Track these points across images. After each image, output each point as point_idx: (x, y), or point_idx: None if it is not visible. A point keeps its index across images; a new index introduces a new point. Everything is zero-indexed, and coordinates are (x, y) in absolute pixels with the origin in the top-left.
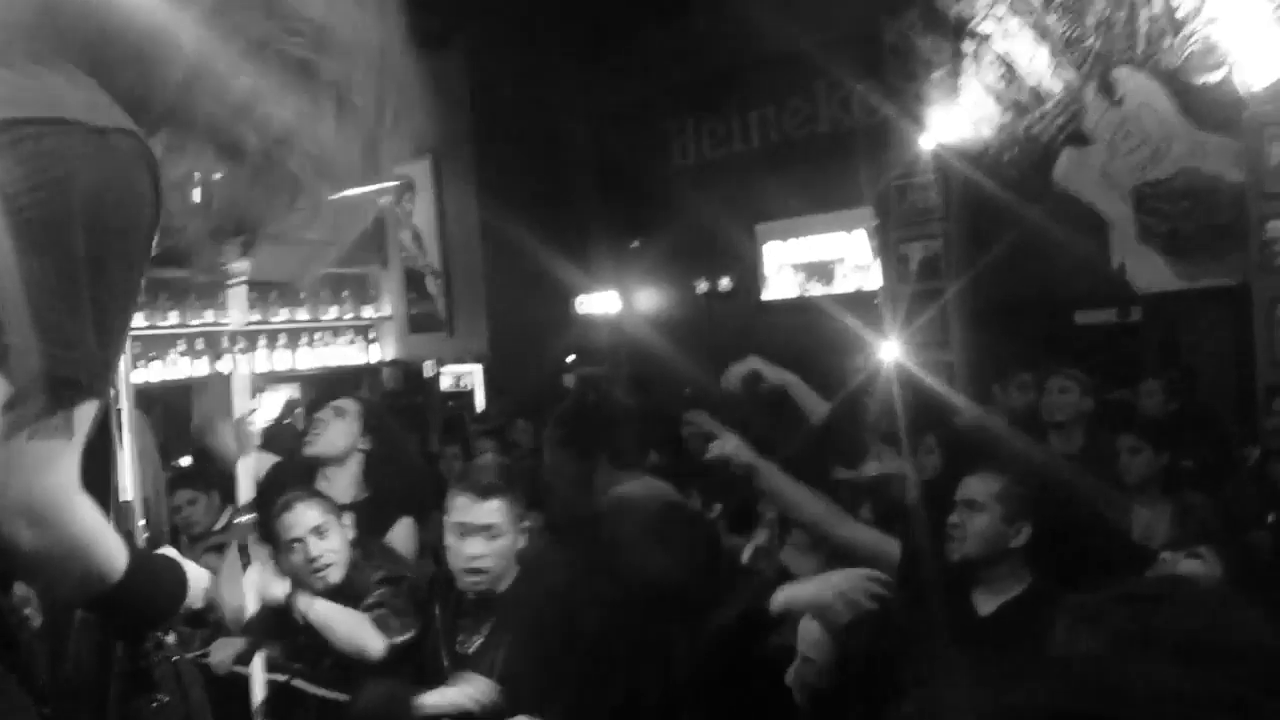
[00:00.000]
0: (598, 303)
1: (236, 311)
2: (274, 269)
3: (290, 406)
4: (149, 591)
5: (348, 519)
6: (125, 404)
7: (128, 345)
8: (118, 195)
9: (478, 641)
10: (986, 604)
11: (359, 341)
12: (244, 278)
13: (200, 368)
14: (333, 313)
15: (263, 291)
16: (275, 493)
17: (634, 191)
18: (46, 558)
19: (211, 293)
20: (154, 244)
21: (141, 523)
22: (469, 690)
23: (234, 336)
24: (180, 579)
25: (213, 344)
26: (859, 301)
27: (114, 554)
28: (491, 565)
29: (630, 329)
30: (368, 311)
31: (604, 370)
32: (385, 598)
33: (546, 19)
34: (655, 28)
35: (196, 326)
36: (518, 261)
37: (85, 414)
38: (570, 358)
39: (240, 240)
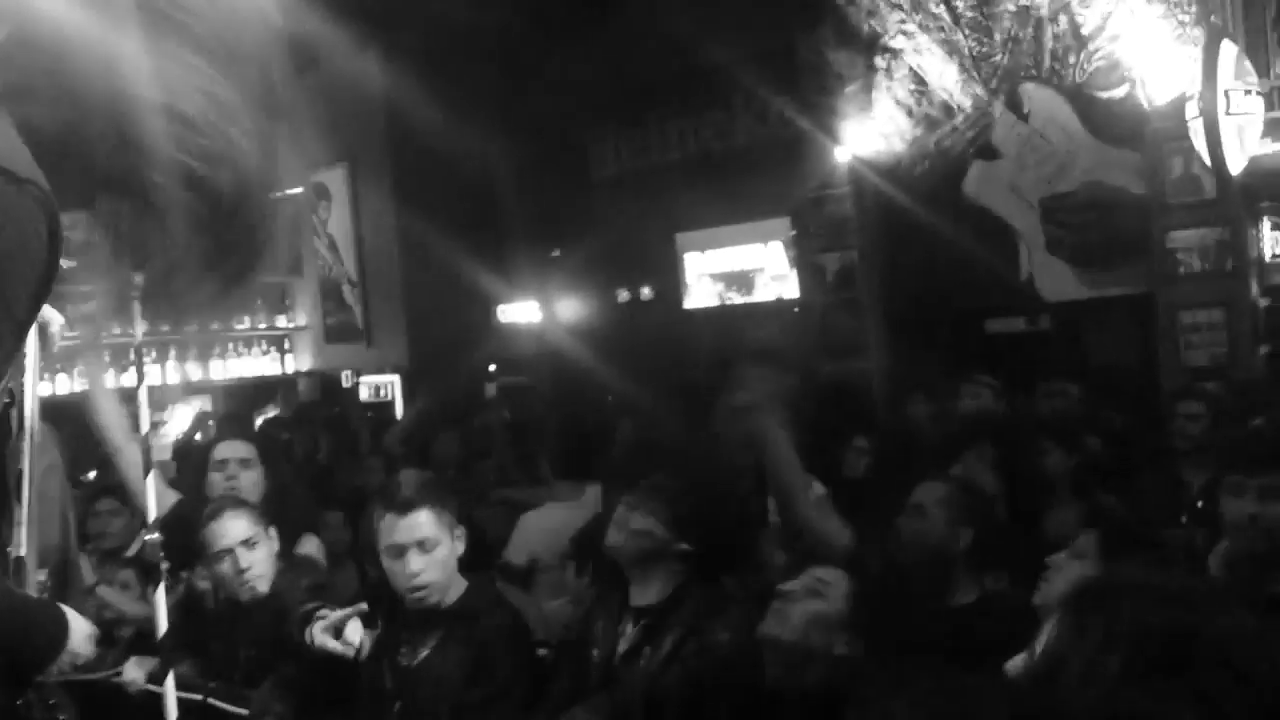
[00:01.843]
0: (519, 312)
1: (139, 324)
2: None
3: (202, 419)
4: (19, 640)
5: (273, 531)
6: (26, 452)
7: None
8: (9, 244)
9: (422, 654)
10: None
11: (273, 352)
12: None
13: (108, 380)
14: (246, 323)
15: None
16: (182, 522)
17: (554, 201)
18: None
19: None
20: (41, 299)
21: (41, 576)
22: None
23: (139, 348)
24: (61, 628)
25: (119, 356)
26: (778, 310)
27: None
28: (433, 578)
29: (552, 338)
30: (282, 321)
31: (525, 380)
32: (324, 603)
33: (464, 28)
34: (575, 39)
35: (102, 338)
36: (437, 270)
37: None
38: (491, 367)
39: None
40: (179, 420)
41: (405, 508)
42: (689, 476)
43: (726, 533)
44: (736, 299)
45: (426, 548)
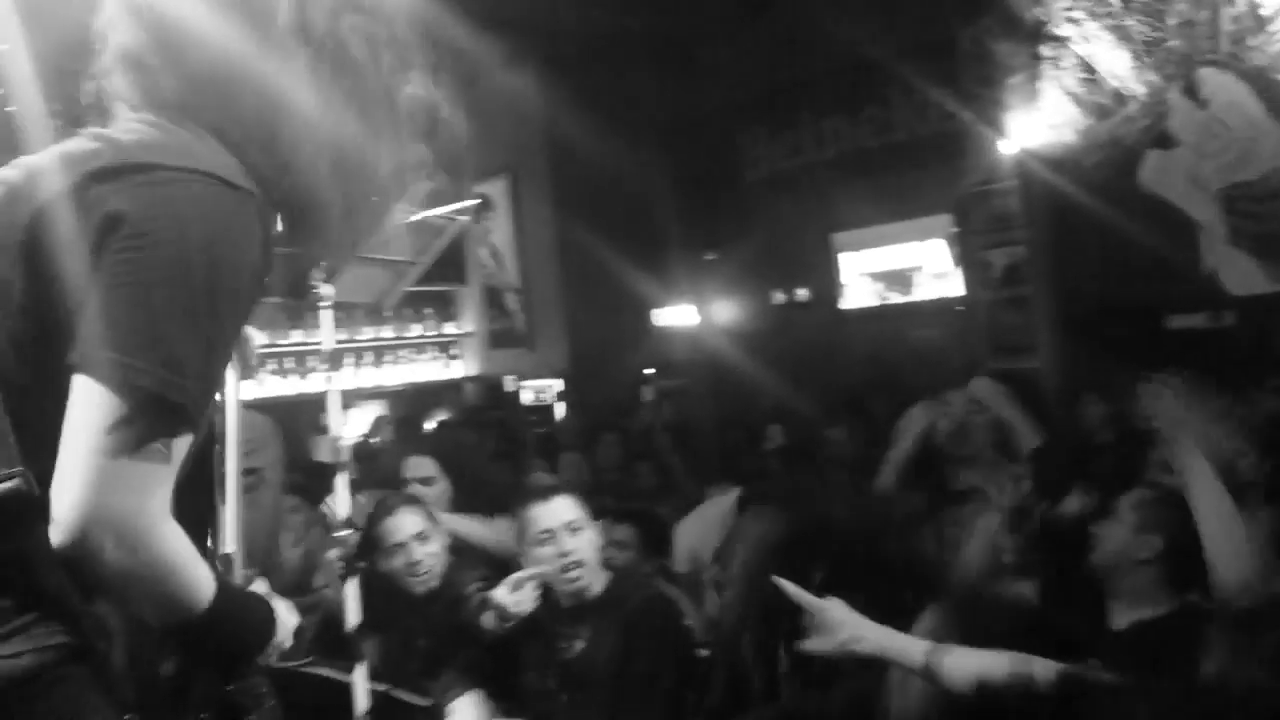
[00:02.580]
0: (675, 316)
1: (326, 333)
2: (359, 291)
3: (380, 423)
4: (234, 628)
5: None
6: (231, 452)
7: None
8: (236, 242)
9: (578, 646)
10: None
11: (441, 358)
12: (331, 301)
13: (290, 385)
14: (416, 330)
15: (349, 310)
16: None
17: (709, 204)
18: (130, 579)
19: (299, 313)
20: (257, 299)
21: (248, 572)
22: None
23: (326, 356)
24: (269, 618)
25: (301, 362)
26: (939, 310)
27: (200, 585)
28: (585, 557)
29: (708, 341)
30: (449, 328)
31: (683, 383)
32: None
33: (618, 34)
34: (727, 39)
35: (286, 346)
36: (595, 276)
37: (184, 444)
38: (649, 371)
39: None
40: (356, 424)
41: (547, 494)
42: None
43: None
44: (895, 299)
45: (573, 527)
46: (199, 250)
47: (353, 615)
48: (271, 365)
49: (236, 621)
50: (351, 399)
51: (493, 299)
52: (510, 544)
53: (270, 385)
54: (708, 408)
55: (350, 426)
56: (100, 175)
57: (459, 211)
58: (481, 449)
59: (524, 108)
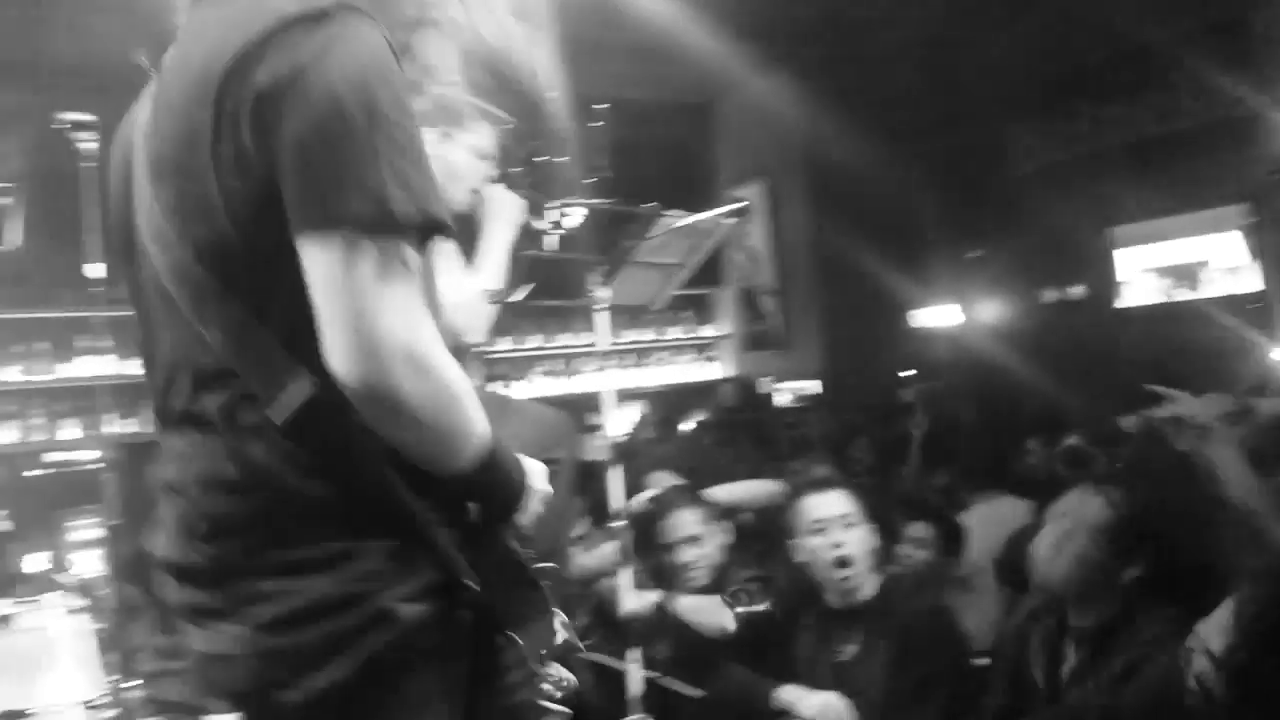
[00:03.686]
0: (935, 316)
1: (602, 334)
2: (632, 293)
3: (645, 421)
4: (501, 476)
5: (727, 524)
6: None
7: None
8: (394, 66)
9: (852, 650)
10: None
11: (699, 359)
12: (607, 303)
13: (559, 386)
14: (674, 332)
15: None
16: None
17: (972, 201)
18: (425, 407)
19: (567, 316)
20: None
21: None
22: (831, 702)
23: (601, 356)
24: (524, 473)
25: (569, 364)
26: (1230, 307)
27: (480, 419)
28: (856, 553)
29: (971, 342)
30: (707, 330)
31: (943, 385)
32: (742, 585)
33: (877, 28)
34: (994, 29)
35: (555, 349)
36: (852, 276)
37: (422, 259)
38: (907, 373)
39: (602, 270)
40: (619, 423)
41: (824, 485)
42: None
43: (1180, 555)
44: (1180, 295)
45: (847, 521)
46: (379, 82)
47: (627, 604)
48: (542, 367)
49: (503, 471)
50: (616, 399)
51: (749, 301)
52: (779, 496)
53: (540, 386)
54: (970, 410)
55: (615, 426)
56: (280, 28)
57: (726, 214)
58: (727, 451)
59: (780, 111)
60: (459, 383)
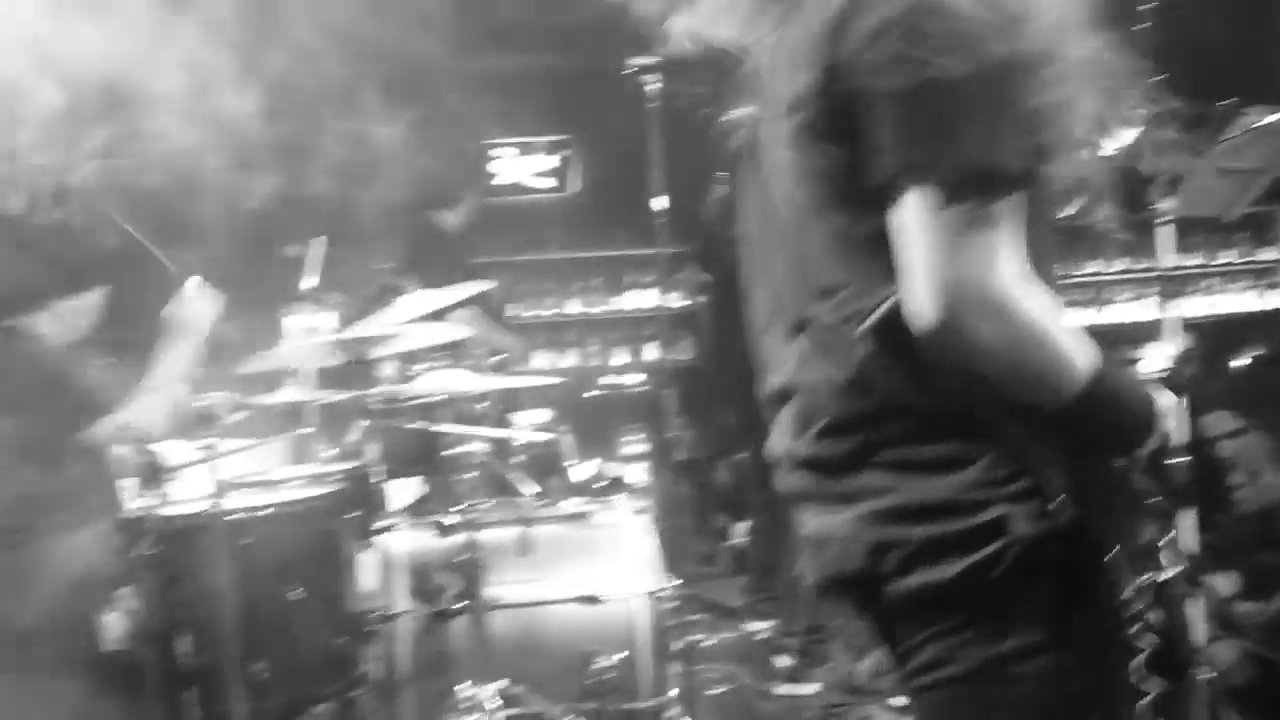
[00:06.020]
0: None
1: (1165, 251)
2: (1201, 203)
3: (1189, 355)
4: (1113, 410)
5: None
6: None
7: None
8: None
9: None
10: None
11: (1256, 287)
12: (1170, 215)
13: (1086, 318)
14: (1225, 256)
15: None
16: None
17: None
18: (1001, 350)
19: (1092, 239)
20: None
21: None
22: None
23: (1165, 279)
24: (1148, 401)
25: (1099, 293)
26: None
27: (1075, 358)
28: None
29: None
30: (1267, 254)
31: None
32: None
33: None
34: None
35: (1085, 276)
36: None
37: (1012, 204)
38: None
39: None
40: (1154, 358)
41: None
42: None
43: None
44: None
45: None
46: (982, 29)
47: None
48: (1066, 296)
49: (1115, 403)
50: (1149, 332)
51: None
52: None
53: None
54: None
55: (1149, 362)
56: None
57: None
58: None
59: None
60: (1045, 326)
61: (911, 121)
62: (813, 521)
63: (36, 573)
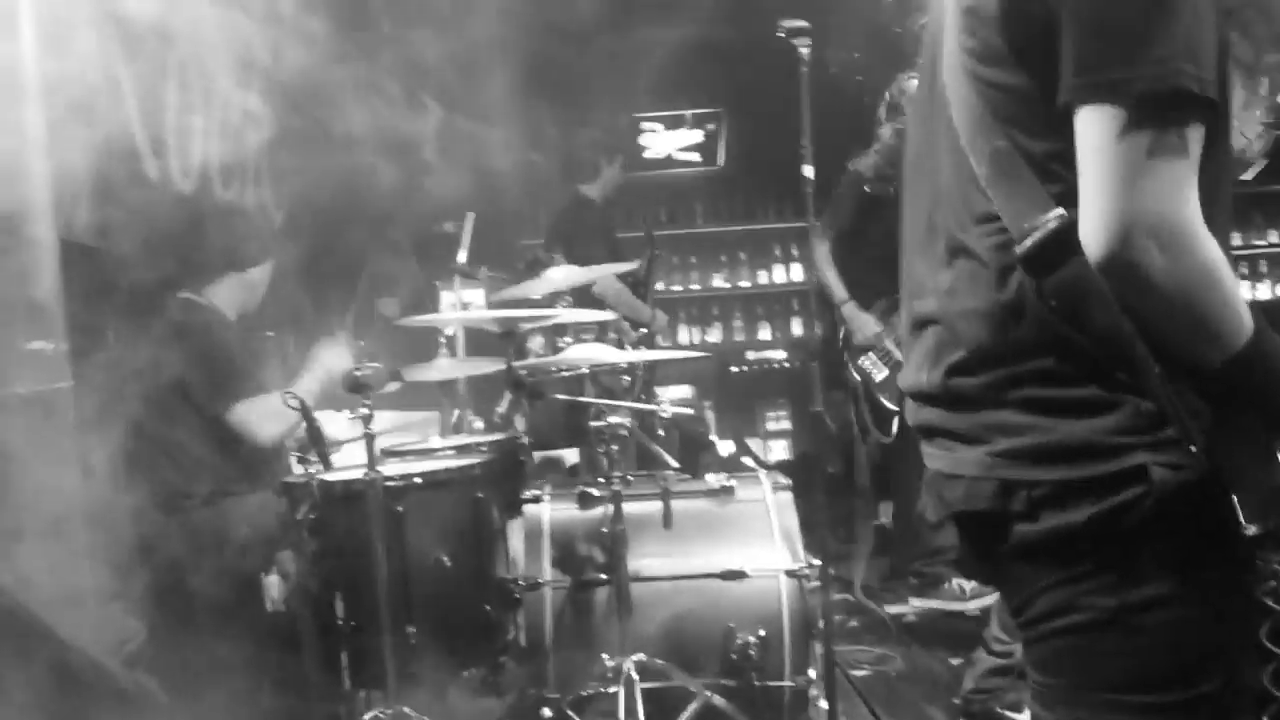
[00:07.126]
0: None
1: None
2: None
3: None
4: (1270, 370)
5: None
6: None
7: None
8: None
9: None
10: None
11: None
12: None
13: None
14: None
15: None
16: None
17: None
18: (1172, 286)
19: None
20: None
21: None
22: None
23: None
24: None
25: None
26: None
27: (1242, 310)
28: None
29: None
30: None
31: None
32: None
33: None
34: None
35: (1264, 247)
36: None
37: (1197, 133)
38: None
39: None
40: None
41: None
42: None
43: None
44: None
45: None
46: None
47: None
48: (1241, 269)
49: (1273, 367)
50: None
51: None
52: None
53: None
54: None
55: None
56: None
57: None
58: None
59: None
60: (1221, 270)
61: (1099, 38)
62: (941, 457)
63: (213, 536)
